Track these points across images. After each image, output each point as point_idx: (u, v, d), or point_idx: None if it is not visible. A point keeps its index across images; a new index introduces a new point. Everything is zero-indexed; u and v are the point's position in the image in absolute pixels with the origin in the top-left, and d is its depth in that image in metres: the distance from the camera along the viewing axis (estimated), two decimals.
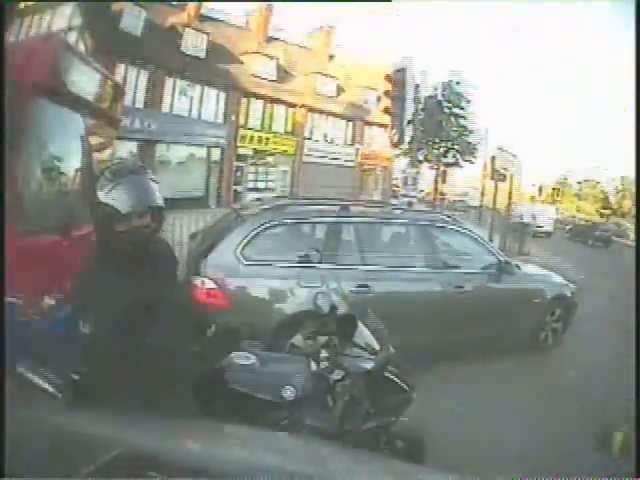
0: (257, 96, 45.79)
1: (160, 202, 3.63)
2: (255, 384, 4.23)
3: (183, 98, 40.82)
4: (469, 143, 61.89)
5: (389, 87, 22.21)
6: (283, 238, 8.74)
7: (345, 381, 4.34)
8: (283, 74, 47.85)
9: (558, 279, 11.70)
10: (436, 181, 54.93)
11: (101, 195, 3.45)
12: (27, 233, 6.06)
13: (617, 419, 6.06)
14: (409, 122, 24.51)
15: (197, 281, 7.67)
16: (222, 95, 43.45)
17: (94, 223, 3.62)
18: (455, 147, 62.24)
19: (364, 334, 4.69)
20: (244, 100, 45.10)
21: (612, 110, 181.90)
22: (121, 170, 3.62)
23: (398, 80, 21.97)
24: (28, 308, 4.87)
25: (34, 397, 3.81)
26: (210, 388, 4.07)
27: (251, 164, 46.60)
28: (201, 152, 42.73)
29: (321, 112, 51.25)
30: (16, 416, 2.16)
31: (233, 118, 44.01)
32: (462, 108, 61.96)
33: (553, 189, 63.00)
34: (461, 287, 9.54)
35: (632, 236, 61.31)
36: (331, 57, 54.17)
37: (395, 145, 24.20)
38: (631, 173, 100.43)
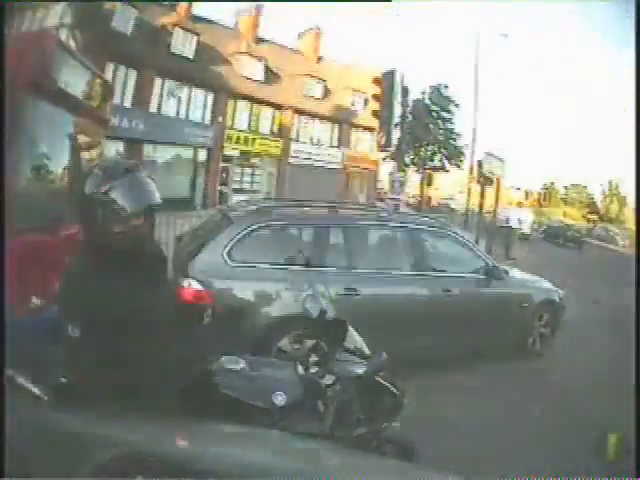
0: (244, 97, 45.84)
1: (160, 201, 3.54)
2: (245, 389, 4.10)
3: (171, 98, 40.86)
4: (456, 147, 62.09)
5: (377, 90, 22.19)
6: (270, 240, 8.67)
7: (336, 386, 4.25)
8: (271, 75, 47.91)
9: (546, 284, 11.71)
10: (422, 185, 55.01)
11: (98, 194, 3.33)
12: (14, 232, 5.92)
13: (608, 421, 6.05)
14: (397, 125, 24.53)
15: (184, 283, 7.58)
16: (210, 96, 43.51)
17: (85, 222, 3.51)
18: (442, 151, 62.41)
19: (355, 338, 4.63)
20: (231, 101, 45.18)
21: (600, 115, 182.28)
22: (117, 168, 3.51)
23: (386, 83, 21.97)
24: (15, 309, 4.80)
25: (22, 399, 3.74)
26: (199, 393, 3.97)
27: (237, 165, 46.68)
28: (188, 153, 42.74)
29: (308, 114, 51.36)
30: (16, 416, 2.13)
31: (220, 119, 44.03)
32: (450, 112, 62.15)
33: (539, 194, 63.06)
34: (449, 291, 9.50)
35: (621, 242, 61.71)
36: (319, 59, 54.18)
37: (382, 148, 24.28)
38: (618, 178, 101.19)
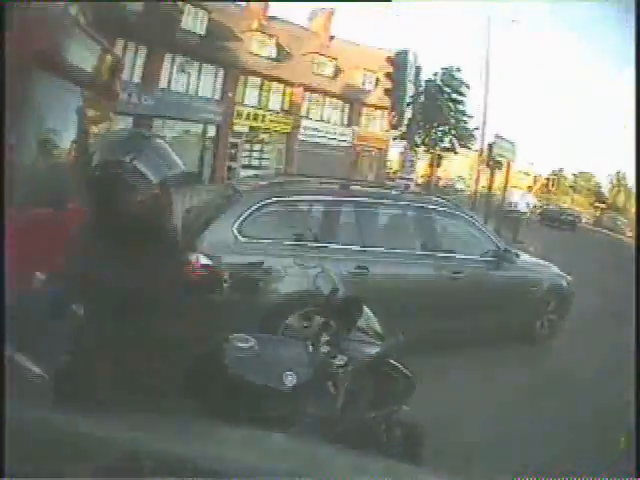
0: (255, 74, 45.62)
1: (183, 168, 3.40)
2: (254, 369, 3.95)
3: (181, 74, 40.67)
4: (467, 129, 62.00)
5: (390, 69, 22.14)
6: (281, 216, 8.53)
7: (348, 367, 4.07)
8: (282, 53, 47.58)
9: (555, 269, 11.57)
10: (431, 166, 54.95)
11: (119, 163, 3.15)
12: (19, 207, 5.85)
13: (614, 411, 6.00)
14: (409, 104, 24.58)
15: (192, 257, 7.40)
16: (220, 72, 43.33)
17: (99, 194, 3.29)
18: (452, 132, 62.32)
19: (369, 318, 4.47)
20: (242, 78, 45.01)
21: (612, 105, 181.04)
22: (139, 136, 3.41)
23: (399, 62, 21.94)
24: (18, 285, 4.70)
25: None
26: (206, 372, 3.81)
27: (246, 141, 46.56)
28: (196, 128, 42.63)
29: (318, 92, 51.03)
30: (16, 416, 2.04)
31: (230, 95, 43.82)
32: (461, 94, 62.01)
33: (548, 179, 62.90)
34: (459, 272, 9.42)
35: (629, 232, 61.75)
36: (331, 38, 53.78)
37: (394, 126, 24.29)
38: (626, 168, 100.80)
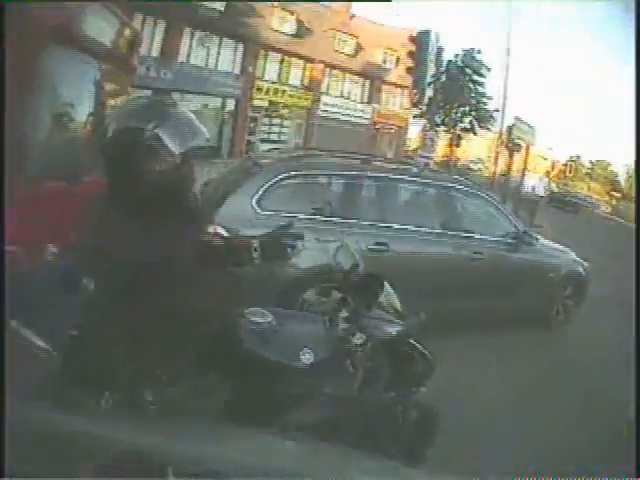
0: (275, 50, 45.58)
1: (208, 137, 3.31)
2: (271, 345, 3.80)
3: (200, 48, 40.55)
4: (487, 110, 61.87)
5: (412, 48, 22.09)
6: (301, 189, 8.43)
7: (367, 346, 3.94)
8: (302, 30, 47.38)
9: (572, 255, 11.48)
10: (450, 146, 54.91)
11: (142, 131, 3.02)
12: (33, 179, 5.78)
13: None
14: (429, 84, 24.54)
15: (210, 230, 7.31)
16: (240, 47, 43.20)
17: (116, 163, 3.16)
18: (472, 113, 62.23)
19: (390, 296, 4.35)
20: (262, 53, 44.91)
21: (630, 95, 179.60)
22: (162, 104, 3.29)
23: (421, 42, 21.90)
24: (29, 258, 4.65)
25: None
26: (222, 347, 3.71)
27: (265, 116, 46.54)
28: (215, 102, 42.58)
29: (338, 69, 51.03)
30: (16, 416, 2.03)
31: (250, 70, 43.70)
32: (482, 75, 61.86)
33: (565, 165, 62.81)
34: (479, 253, 9.34)
35: None
36: (352, 17, 53.55)
37: (414, 105, 24.25)
38: None
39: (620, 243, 28.46)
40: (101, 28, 7.23)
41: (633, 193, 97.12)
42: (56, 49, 6.07)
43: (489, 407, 6.94)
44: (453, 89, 58.73)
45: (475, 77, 61.89)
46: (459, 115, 62.12)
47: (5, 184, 3.63)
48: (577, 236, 25.78)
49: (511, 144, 34.67)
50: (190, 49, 39.71)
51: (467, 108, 62.12)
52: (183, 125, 3.16)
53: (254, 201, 7.80)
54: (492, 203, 10.25)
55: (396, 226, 8.70)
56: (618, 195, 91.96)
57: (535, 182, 35.58)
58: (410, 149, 57.03)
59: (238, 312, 3.92)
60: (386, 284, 4.24)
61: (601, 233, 39.91)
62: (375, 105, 53.95)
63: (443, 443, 4.79)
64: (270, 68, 46.05)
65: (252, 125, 45.21)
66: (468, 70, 61.36)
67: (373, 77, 53.30)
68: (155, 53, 36.91)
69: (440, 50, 56.05)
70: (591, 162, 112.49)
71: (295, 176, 8.30)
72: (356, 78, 52.87)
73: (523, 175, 34.60)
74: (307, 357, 3.77)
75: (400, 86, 51.88)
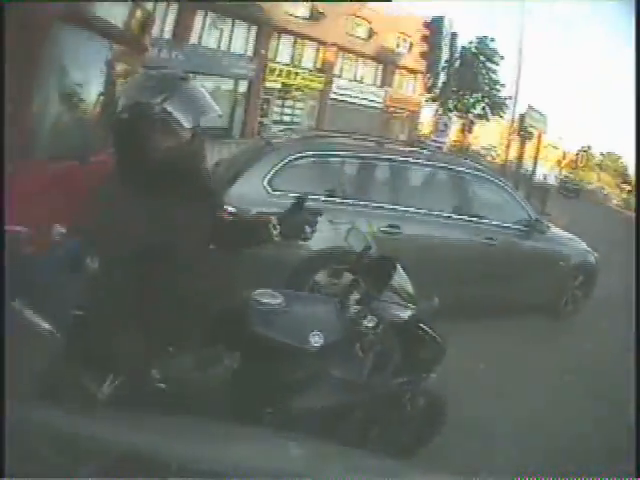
0: (288, 32, 45.63)
1: (219, 112, 3.22)
2: (279, 327, 3.73)
3: (213, 31, 40.54)
4: (499, 97, 61.94)
5: (426, 32, 22.10)
6: (313, 170, 8.38)
7: (378, 329, 3.87)
8: (316, 13, 47.14)
9: (583, 245, 11.33)
10: (462, 131, 54.94)
11: (150, 105, 2.93)
12: (42, 161, 5.80)
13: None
14: (443, 69, 24.56)
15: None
16: (253, 29, 43.15)
17: (124, 139, 3.08)
18: (485, 100, 62.28)
19: (402, 279, 4.22)
20: (275, 35, 44.94)
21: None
22: (171, 77, 3.20)
23: (435, 27, 21.89)
24: (36, 239, 4.61)
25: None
26: (230, 328, 3.64)
27: (278, 98, 46.63)
28: (228, 84, 42.52)
29: (352, 52, 51.08)
30: (16, 416, 2.03)
31: (263, 52, 43.70)
32: (495, 63, 61.91)
33: (576, 154, 62.70)
34: (491, 239, 9.27)
35: None
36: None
37: (428, 90, 24.24)
38: None
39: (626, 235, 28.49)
40: (112, 9, 7.20)
41: None
42: (66, 29, 6.05)
43: (490, 395, 6.91)
44: (466, 75, 58.86)
45: (488, 64, 62.08)
46: (472, 101, 62.26)
47: (5, 166, 3.59)
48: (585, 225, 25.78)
49: (523, 131, 34.62)
50: (202, 31, 39.70)
51: (480, 94, 62.34)
52: (194, 99, 3.09)
53: (265, 181, 7.76)
54: (505, 189, 10.14)
55: (409, 209, 8.64)
56: (628, 188, 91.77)
57: (546, 170, 35.57)
58: (423, 133, 57.09)
59: (248, 293, 3.86)
60: (399, 267, 4.17)
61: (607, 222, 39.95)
62: (388, 89, 54.01)
63: (445, 432, 4.82)
64: (283, 50, 46.08)
65: (264, 107, 45.26)
66: (482, 57, 61.44)
67: (386, 61, 53.30)
68: (167, 35, 36.83)
69: (454, 36, 56.31)
70: (602, 154, 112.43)
71: (307, 156, 8.25)
72: (369, 62, 52.88)
73: (535, 163, 34.54)
74: (317, 340, 3.71)
75: (413, 71, 52.03)
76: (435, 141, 21.69)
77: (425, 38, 21.70)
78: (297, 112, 48.53)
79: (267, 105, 45.51)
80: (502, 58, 62.48)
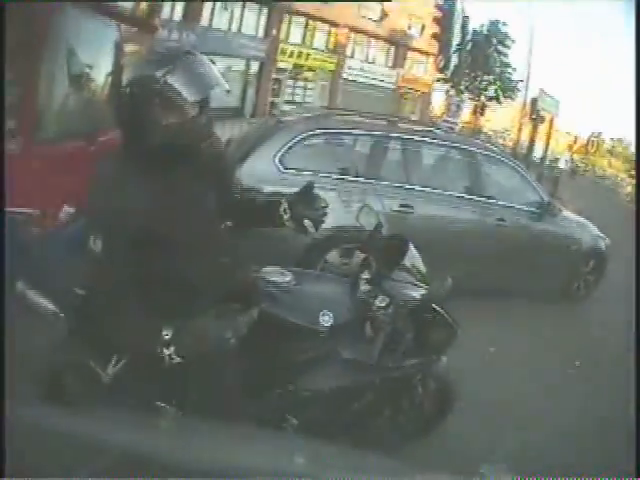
0: (300, 14, 45.55)
1: (226, 86, 3.05)
2: (289, 306, 3.71)
3: (224, 12, 40.38)
4: (511, 80, 62.02)
5: (438, 14, 22.09)
6: (325, 149, 8.38)
7: (389, 309, 3.82)
8: None
9: (594, 230, 11.20)
10: (474, 113, 54.97)
11: (151, 80, 2.81)
12: (49, 140, 5.78)
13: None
14: (455, 51, 24.53)
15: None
16: (264, 10, 42.97)
17: (129, 116, 2.95)
18: (497, 83, 62.34)
19: (415, 259, 4.20)
20: (286, 16, 44.83)
21: None
22: (174, 50, 3.07)
23: (448, 9, 21.90)
24: (44, 219, 4.57)
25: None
26: (238, 307, 3.45)
27: (290, 78, 46.70)
28: (239, 64, 42.37)
29: (363, 33, 51.06)
30: (16, 416, 2.06)
31: (274, 32, 43.62)
32: (507, 46, 61.97)
33: (588, 140, 62.62)
34: (503, 220, 9.22)
35: None
36: None
37: (440, 71, 24.21)
38: None
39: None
40: None
41: None
42: (75, 11, 6.02)
43: (498, 378, 6.87)
44: (478, 57, 58.93)
45: (500, 47, 62.12)
46: (484, 84, 62.29)
47: (5, 148, 3.56)
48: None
49: (535, 115, 34.60)
50: (213, 12, 39.50)
51: (492, 77, 62.35)
52: (199, 73, 2.95)
53: (277, 159, 7.73)
54: (517, 171, 10.07)
55: (422, 189, 8.63)
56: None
57: (558, 154, 35.56)
58: (435, 114, 57.10)
59: (257, 271, 3.82)
60: (411, 246, 4.11)
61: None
62: (400, 70, 54.00)
63: (455, 416, 4.82)
64: (294, 31, 46.10)
65: (276, 87, 45.34)
66: (494, 40, 61.45)
67: (398, 42, 53.26)
68: (178, 15, 36.67)
69: (466, 19, 56.41)
70: (612, 139, 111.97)
71: (319, 134, 8.23)
72: (381, 42, 52.90)
73: (547, 146, 34.54)
74: (326, 319, 3.68)
75: (425, 53, 52.00)
76: (447, 122, 21.57)
77: (437, 20, 21.59)
78: (309, 92, 48.57)
79: (278, 85, 45.53)
80: (513, 42, 62.85)
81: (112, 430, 2.12)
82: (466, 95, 58.86)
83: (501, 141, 62.00)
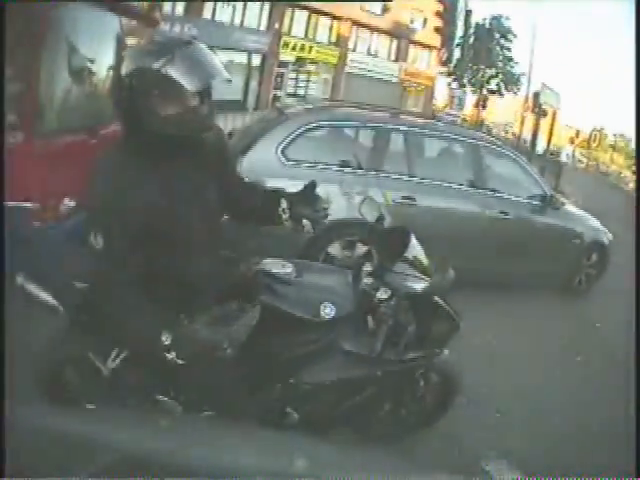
0: (302, 7, 45.53)
1: (227, 75, 2.98)
2: (289, 298, 3.67)
3: (226, 5, 40.39)
4: (513, 74, 62.08)
5: (440, 7, 22.08)
6: (328, 140, 8.44)
7: (391, 302, 3.79)
8: None
9: (596, 224, 11.16)
10: (477, 106, 55.01)
11: (150, 70, 2.78)
12: (51, 134, 5.77)
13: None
14: (457, 45, 24.55)
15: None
16: (266, 4, 42.94)
17: (130, 108, 2.92)
18: (499, 76, 62.46)
19: (417, 251, 4.14)
20: (289, 10, 44.90)
21: None
22: (173, 40, 3.05)
23: (450, 2, 21.90)
24: (45, 212, 4.55)
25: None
26: (239, 300, 3.53)
27: (292, 71, 46.73)
28: (241, 57, 42.37)
29: (366, 27, 51.08)
30: (16, 416, 2.08)
31: (276, 26, 43.74)
32: (509, 40, 62.09)
33: (590, 135, 62.63)
34: (505, 213, 9.18)
35: None
36: None
37: (443, 64, 24.22)
38: None
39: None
40: None
41: None
42: (76, 3, 6.04)
43: (498, 372, 6.83)
44: (481, 50, 58.98)
45: (502, 41, 62.24)
46: (486, 77, 62.37)
47: (5, 142, 3.55)
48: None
49: (537, 108, 34.56)
50: (215, 5, 39.61)
51: (494, 70, 62.41)
52: (198, 63, 2.91)
53: (279, 150, 7.72)
54: (520, 163, 10.04)
55: (424, 181, 8.61)
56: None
57: (560, 148, 35.54)
58: (437, 107, 57.19)
59: (257, 263, 3.79)
60: (413, 238, 4.08)
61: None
62: (402, 63, 54.04)
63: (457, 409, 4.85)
64: (297, 24, 46.07)
65: (279, 80, 45.40)
66: (496, 33, 61.53)
67: (400, 35, 53.30)
68: (179, 11, 36.77)
69: (469, 13, 56.55)
70: (614, 135, 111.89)
71: (321, 126, 8.25)
72: (384, 36, 52.91)
73: (549, 140, 34.47)
74: (328, 311, 3.66)
75: (428, 46, 52.01)
76: (449, 114, 21.60)
77: (440, 14, 21.57)
78: (311, 85, 48.52)
79: (281, 78, 45.61)
80: (516, 36, 63.09)
81: (112, 430, 2.12)
82: (468, 88, 59.09)
83: (503, 134, 62.12)
